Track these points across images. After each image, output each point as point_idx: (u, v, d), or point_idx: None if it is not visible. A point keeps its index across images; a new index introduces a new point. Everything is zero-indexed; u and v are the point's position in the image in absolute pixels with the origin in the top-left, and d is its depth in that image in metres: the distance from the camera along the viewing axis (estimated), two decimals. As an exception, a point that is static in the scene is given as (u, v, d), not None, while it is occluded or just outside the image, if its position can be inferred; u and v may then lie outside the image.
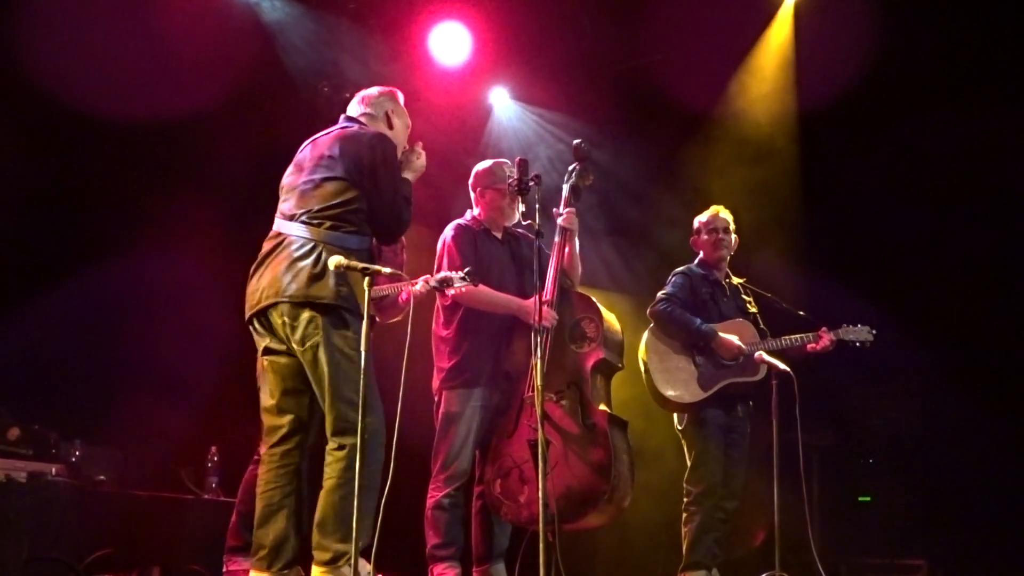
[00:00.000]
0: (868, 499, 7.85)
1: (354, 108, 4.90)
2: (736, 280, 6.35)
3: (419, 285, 5.18)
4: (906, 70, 7.50)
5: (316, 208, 4.52)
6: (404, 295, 5.34)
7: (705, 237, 6.27)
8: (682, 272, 6.25)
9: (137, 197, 7.45)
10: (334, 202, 4.52)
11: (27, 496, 5.63)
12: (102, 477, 6.36)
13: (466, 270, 4.95)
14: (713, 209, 6.33)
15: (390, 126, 4.84)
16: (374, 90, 4.95)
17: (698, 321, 6.01)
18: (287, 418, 4.56)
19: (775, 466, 5.57)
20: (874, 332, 6.05)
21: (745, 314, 6.20)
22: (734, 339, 5.95)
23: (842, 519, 7.67)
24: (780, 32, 8.32)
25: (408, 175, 4.78)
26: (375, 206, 4.57)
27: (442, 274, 5.05)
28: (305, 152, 4.73)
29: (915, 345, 7.40)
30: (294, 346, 4.47)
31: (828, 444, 7.59)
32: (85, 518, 5.90)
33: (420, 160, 4.86)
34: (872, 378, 7.81)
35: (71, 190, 7.25)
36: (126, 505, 6.22)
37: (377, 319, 5.43)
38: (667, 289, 6.16)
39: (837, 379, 7.58)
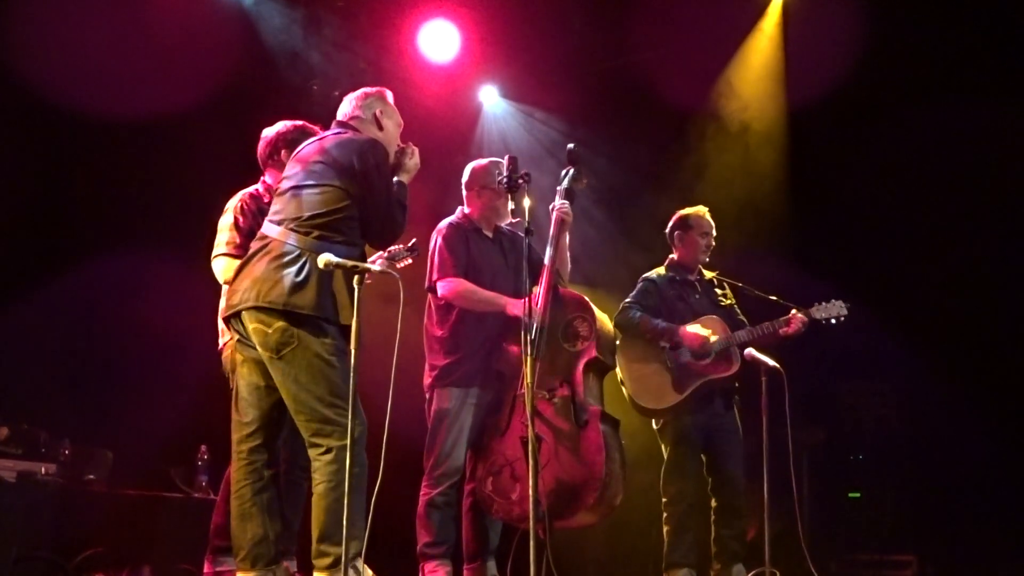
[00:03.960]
0: (858, 495, 7.86)
1: (344, 112, 4.86)
2: (708, 274, 6.32)
3: (377, 265, 5.15)
4: (895, 65, 7.52)
5: (305, 216, 4.47)
6: None
7: (696, 239, 6.19)
8: (646, 278, 6.23)
9: (125, 196, 7.44)
10: (324, 211, 4.47)
11: (17, 495, 5.64)
12: (92, 476, 6.36)
13: (411, 242, 4.92)
14: (701, 211, 6.23)
15: (380, 127, 4.79)
16: (362, 92, 4.90)
17: (657, 321, 6.01)
18: (254, 414, 4.53)
19: (765, 463, 5.58)
20: (848, 306, 5.99)
21: (718, 308, 6.18)
22: (699, 331, 5.94)
23: (832, 515, 7.69)
24: (769, 29, 8.34)
25: (403, 177, 4.75)
26: (369, 213, 4.53)
27: (390, 248, 5.02)
28: (298, 157, 4.70)
29: (904, 342, 7.42)
30: (264, 352, 4.43)
31: (818, 441, 7.60)
32: (75, 517, 5.90)
33: (413, 160, 4.82)
34: (861, 375, 7.83)
35: (57, 189, 7.24)
36: (116, 504, 6.22)
37: None
38: (629, 297, 6.16)
39: (826, 376, 7.61)
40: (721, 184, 8.05)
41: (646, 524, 7.19)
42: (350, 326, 4.25)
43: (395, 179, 4.72)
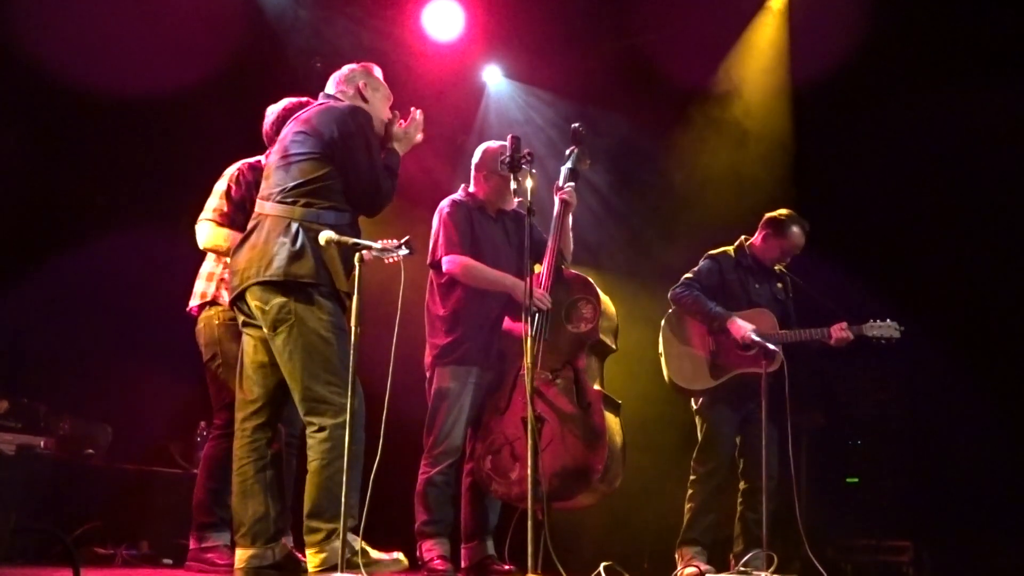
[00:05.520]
0: (856, 480, 7.87)
1: (330, 87, 4.87)
2: (778, 267, 6.29)
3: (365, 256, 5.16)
4: (901, 48, 7.49)
5: (289, 186, 4.49)
6: None
7: (776, 249, 6.17)
8: (712, 256, 6.22)
9: (127, 173, 7.43)
10: (306, 179, 4.48)
11: (15, 468, 5.65)
12: (91, 451, 6.36)
13: (404, 239, 4.94)
14: (803, 229, 6.15)
15: (364, 100, 4.77)
16: (347, 67, 4.90)
17: (712, 304, 6.00)
18: (258, 392, 4.56)
19: (764, 447, 5.59)
20: (901, 329, 5.95)
21: (775, 302, 6.16)
22: (747, 325, 5.92)
23: (830, 500, 7.69)
24: (774, 9, 8.31)
25: (396, 146, 4.74)
26: (350, 179, 4.52)
27: (381, 243, 5.02)
28: (284, 132, 4.71)
29: (905, 327, 7.40)
30: (265, 330, 4.47)
31: (817, 426, 7.59)
32: (73, 491, 5.92)
33: (411, 131, 4.79)
34: (861, 360, 7.81)
35: (61, 166, 7.22)
36: (115, 479, 6.23)
37: None
38: (690, 273, 6.15)
39: (826, 361, 7.59)
40: (724, 165, 8.04)
41: (645, 506, 7.21)
42: (348, 298, 4.27)
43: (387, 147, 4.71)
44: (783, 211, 6.24)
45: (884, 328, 5.97)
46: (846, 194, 7.93)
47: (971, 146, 7.41)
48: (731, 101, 8.42)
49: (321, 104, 4.74)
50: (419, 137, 4.88)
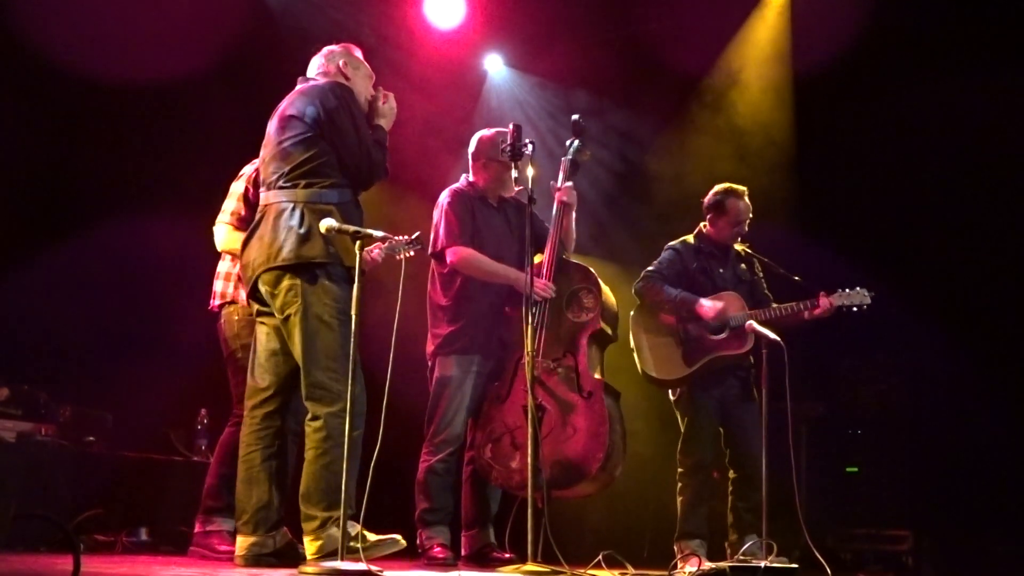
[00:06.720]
0: (855, 470, 7.87)
1: (311, 70, 4.87)
2: (739, 247, 6.29)
3: (375, 252, 5.28)
4: (903, 37, 7.47)
5: (287, 169, 4.50)
6: None
7: (727, 226, 6.12)
8: (672, 247, 6.21)
9: (130, 161, 7.43)
10: (302, 159, 4.49)
11: (16, 455, 5.64)
12: (91, 438, 6.36)
13: (414, 235, 4.93)
14: (741, 194, 6.12)
15: (346, 78, 4.76)
16: (326, 48, 4.91)
17: (677, 291, 5.99)
18: (270, 380, 4.59)
19: (764, 435, 5.58)
20: (872, 294, 5.95)
21: (740, 283, 6.16)
22: (716, 305, 5.92)
23: (830, 489, 7.69)
24: (775, 3, 8.30)
25: (380, 122, 4.74)
26: (341, 152, 4.52)
27: (390, 241, 5.04)
28: (272, 121, 4.71)
29: (906, 317, 7.40)
30: (276, 316, 4.50)
31: (817, 414, 7.60)
32: (74, 478, 5.91)
33: (388, 104, 4.79)
34: (862, 349, 7.82)
35: (64, 154, 7.21)
36: (115, 466, 6.23)
37: None
38: (652, 265, 6.15)
39: (827, 350, 7.59)
40: (725, 154, 8.02)
41: (644, 495, 7.21)
42: (363, 273, 4.26)
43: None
44: (717, 187, 6.21)
45: (854, 296, 5.95)
46: (845, 183, 7.93)
47: (973, 139, 7.39)
48: (731, 92, 8.41)
49: (302, 87, 4.72)
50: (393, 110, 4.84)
